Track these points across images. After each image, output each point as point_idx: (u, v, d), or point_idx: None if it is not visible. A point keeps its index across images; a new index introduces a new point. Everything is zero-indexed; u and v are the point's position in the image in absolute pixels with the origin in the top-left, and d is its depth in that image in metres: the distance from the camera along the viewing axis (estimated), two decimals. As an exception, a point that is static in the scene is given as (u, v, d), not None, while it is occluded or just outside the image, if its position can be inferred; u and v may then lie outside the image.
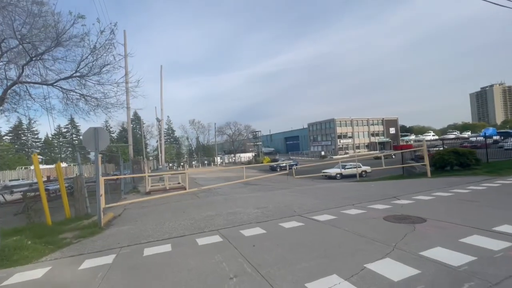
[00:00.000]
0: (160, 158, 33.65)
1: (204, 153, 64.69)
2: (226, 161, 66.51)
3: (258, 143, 70.08)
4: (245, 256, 3.68)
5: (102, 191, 6.89)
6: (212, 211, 7.56)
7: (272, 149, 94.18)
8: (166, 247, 4.39)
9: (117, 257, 4.13)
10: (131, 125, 21.45)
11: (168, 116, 69.16)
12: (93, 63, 7.86)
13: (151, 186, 17.63)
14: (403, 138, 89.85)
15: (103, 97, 8.61)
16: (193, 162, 58.90)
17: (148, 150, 62.61)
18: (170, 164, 52.64)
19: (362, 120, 78.22)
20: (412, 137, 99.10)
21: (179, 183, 19.30)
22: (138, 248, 4.49)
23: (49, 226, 6.62)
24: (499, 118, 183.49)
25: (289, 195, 10.10)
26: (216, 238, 4.69)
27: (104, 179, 7.57)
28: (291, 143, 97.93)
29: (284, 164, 39.64)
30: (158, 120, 26.80)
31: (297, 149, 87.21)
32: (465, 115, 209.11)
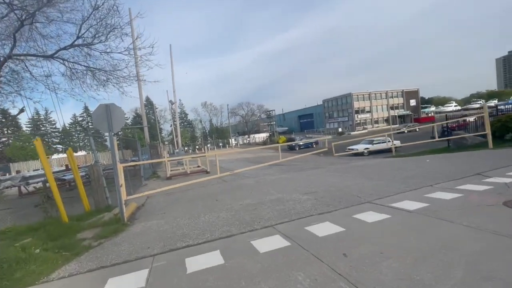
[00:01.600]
0: (175, 141, 32.96)
1: (218, 135, 63.90)
2: (241, 142, 65.60)
3: (272, 122, 68.31)
4: (346, 277, 2.40)
5: (122, 180, 5.79)
6: (250, 198, 6.36)
7: (286, 128, 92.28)
8: (216, 257, 3.18)
9: (151, 274, 2.97)
10: (144, 111, 20.40)
11: (180, 100, 68.08)
12: (97, 27, 6.47)
13: (171, 170, 16.79)
14: (423, 110, 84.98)
15: (113, 69, 7.31)
16: (208, 145, 58.39)
17: (162, 135, 62.47)
18: (186, 148, 52.35)
19: (380, 93, 74.13)
20: (432, 108, 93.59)
21: (198, 166, 18.39)
22: (177, 258, 3.33)
23: (65, 223, 5.66)
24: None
25: (330, 175, 8.75)
26: (279, 240, 3.45)
27: (123, 166, 6.48)
28: (305, 121, 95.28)
29: (302, 143, 38.20)
30: (172, 103, 25.63)
31: (312, 127, 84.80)
32: (491, 83, 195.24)
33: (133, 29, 8.28)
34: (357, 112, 71.28)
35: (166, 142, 58.18)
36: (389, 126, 60.82)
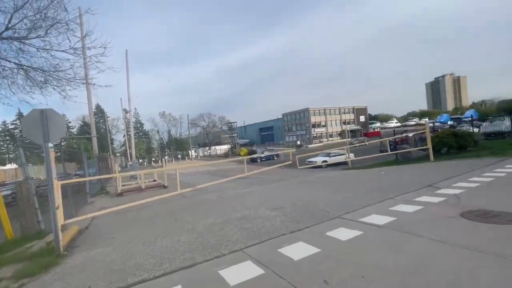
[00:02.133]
0: (129, 153, 30.38)
1: (177, 146, 61.09)
2: (201, 154, 63.71)
3: (233, 134, 68.12)
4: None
5: (58, 200, 4.80)
6: (214, 216, 5.86)
7: (247, 140, 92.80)
8: (177, 295, 2.66)
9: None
10: (94, 119, 18.33)
11: (135, 109, 63.75)
12: (35, 19, 5.46)
13: (123, 185, 15.19)
14: (370, 125, 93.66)
15: (53, 69, 6.23)
16: (165, 157, 55.31)
17: (114, 145, 57.35)
18: (140, 160, 48.67)
19: (334, 109, 79.78)
20: (378, 124, 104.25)
21: (155, 180, 17.03)
22: (127, 299, 2.71)
23: (-25, 257, 4.44)
24: (450, 105, 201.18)
25: (295, 188, 8.70)
26: (251, 268, 3.06)
27: (63, 183, 5.42)
28: (266, 133, 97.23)
29: (264, 156, 38.54)
30: (126, 111, 23.68)
31: (272, 140, 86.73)
32: (423, 103, 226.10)
33: (83, 25, 7.32)
34: (314, 126, 75.31)
35: (118, 154, 53.39)
36: (343, 140, 65.18)
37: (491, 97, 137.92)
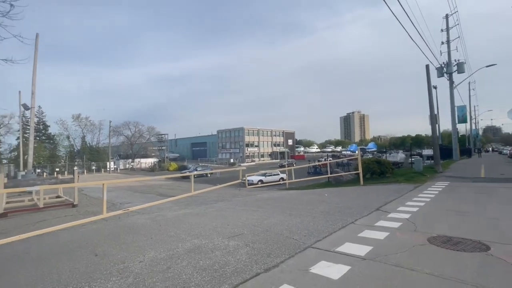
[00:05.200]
0: (23, 161, 23.79)
1: (92, 156, 52.03)
2: (122, 167, 55.96)
3: (163, 147, 62.96)
4: None
5: None
6: (152, 247, 4.50)
7: (177, 155, 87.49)
8: None
9: None
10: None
11: (40, 107, 51.93)
12: None
13: (8, 203, 11.30)
14: (296, 149, 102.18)
15: None
16: (75, 168, 46.25)
17: (0, 149, 44.61)
18: (38, 170, 38.90)
19: (267, 131, 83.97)
20: (302, 148, 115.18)
21: (58, 196, 13.40)
22: None
23: None
24: (357, 137, 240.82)
25: (243, 210, 7.90)
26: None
27: None
28: (198, 149, 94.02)
29: (196, 172, 36.33)
30: (27, 108, 18.61)
31: (205, 156, 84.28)
32: (337, 133, 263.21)
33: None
34: (247, 145, 76.99)
35: (4, 161, 41.54)
36: (277, 161, 68.16)
37: (386, 133, 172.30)
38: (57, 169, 42.73)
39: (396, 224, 5.14)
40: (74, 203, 11.34)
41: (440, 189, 9.68)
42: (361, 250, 3.84)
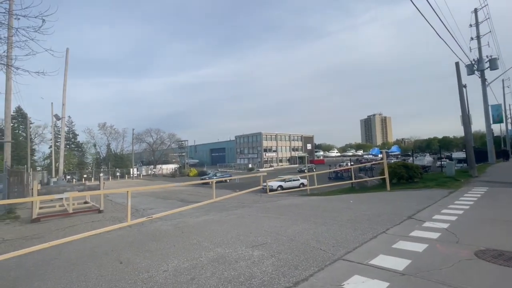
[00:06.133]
0: (55, 168, 25.28)
1: (116, 163, 54.30)
2: (144, 173, 57.84)
3: (183, 153, 64.38)
4: None
5: None
6: (176, 256, 4.44)
7: (197, 160, 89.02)
8: None
9: None
10: (11, 118, 14.39)
11: (69, 117, 55.34)
12: None
13: (41, 207, 11.94)
14: (315, 154, 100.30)
15: None
16: (101, 174, 48.49)
17: (35, 157, 47.83)
18: (69, 177, 41.22)
19: (285, 135, 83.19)
20: (321, 153, 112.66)
21: (86, 202, 13.97)
22: None
23: None
24: (379, 140, 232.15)
25: (264, 217, 7.70)
26: None
27: None
28: (217, 155, 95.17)
29: (216, 178, 36.64)
30: (58, 118, 19.81)
31: (223, 161, 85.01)
32: (357, 136, 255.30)
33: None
34: (265, 150, 76.67)
35: (38, 168, 44.48)
36: (292, 165, 67.28)
37: (409, 135, 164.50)
38: (85, 176, 44.99)
39: (434, 235, 4.70)
40: (100, 209, 11.75)
41: (479, 195, 8.89)
42: (399, 263, 3.50)
